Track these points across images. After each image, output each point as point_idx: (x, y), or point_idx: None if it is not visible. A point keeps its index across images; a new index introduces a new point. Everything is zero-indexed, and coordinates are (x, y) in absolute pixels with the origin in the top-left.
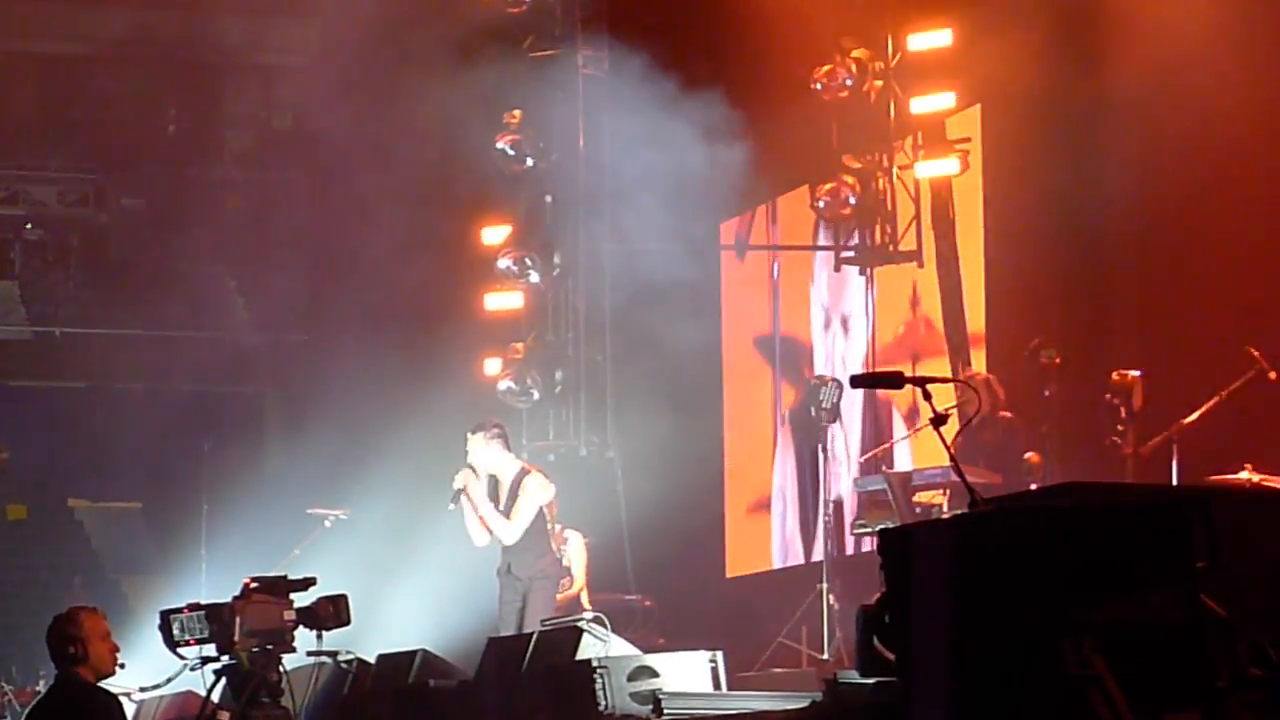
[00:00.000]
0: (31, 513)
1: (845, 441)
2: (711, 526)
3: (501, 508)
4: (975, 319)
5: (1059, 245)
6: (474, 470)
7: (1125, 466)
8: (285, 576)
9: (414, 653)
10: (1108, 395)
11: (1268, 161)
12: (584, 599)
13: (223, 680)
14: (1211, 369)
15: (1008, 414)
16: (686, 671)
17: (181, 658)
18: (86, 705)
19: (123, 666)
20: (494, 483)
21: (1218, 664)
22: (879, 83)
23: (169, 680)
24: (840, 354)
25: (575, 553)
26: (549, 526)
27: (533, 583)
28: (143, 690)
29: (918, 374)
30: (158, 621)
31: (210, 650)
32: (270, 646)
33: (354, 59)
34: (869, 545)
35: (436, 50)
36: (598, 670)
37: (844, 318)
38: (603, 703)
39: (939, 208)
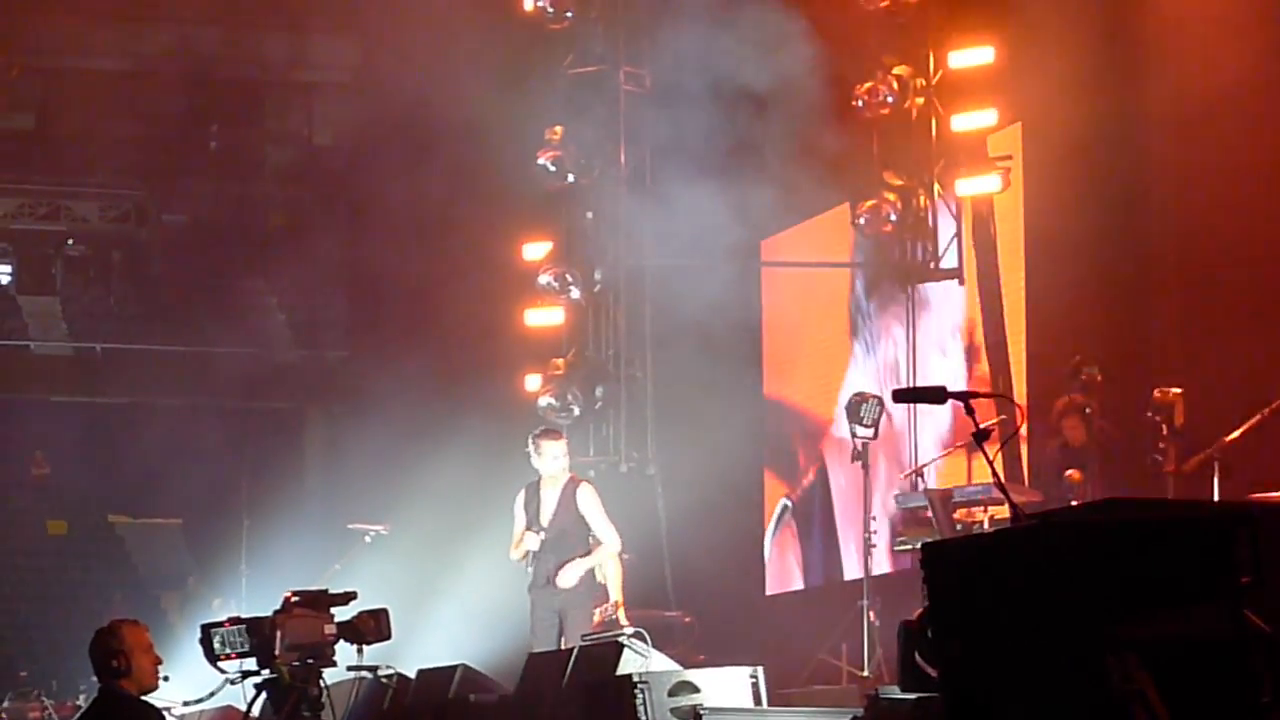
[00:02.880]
0: (72, 528)
1: (883, 459)
2: (751, 543)
3: (549, 515)
4: (1016, 336)
5: (1100, 263)
6: (539, 533)
7: (1167, 484)
8: (326, 591)
9: (454, 668)
10: (1149, 413)
11: None
12: (622, 615)
13: (263, 695)
14: (1254, 386)
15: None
16: (727, 687)
17: (222, 671)
18: (131, 718)
19: (166, 679)
20: (533, 491)
21: (1262, 680)
22: (920, 100)
23: (211, 695)
24: (880, 370)
25: (611, 569)
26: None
27: (571, 596)
28: (185, 705)
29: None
30: (198, 635)
31: (251, 664)
32: (311, 661)
33: (394, 76)
34: (909, 562)
35: (477, 67)
36: (639, 685)
37: (884, 334)
38: (643, 718)
39: (980, 225)
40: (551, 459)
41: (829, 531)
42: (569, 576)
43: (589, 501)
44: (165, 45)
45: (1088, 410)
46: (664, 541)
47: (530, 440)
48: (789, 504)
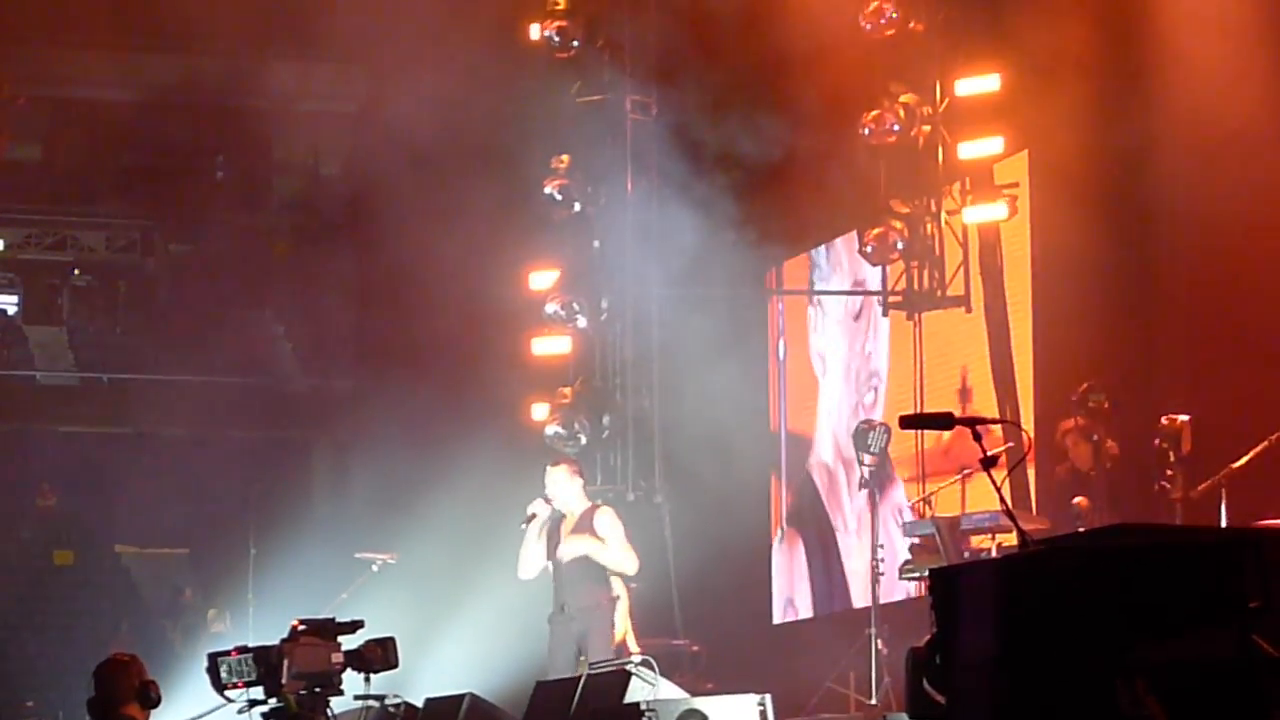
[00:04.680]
0: (79, 558)
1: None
2: (759, 571)
3: (566, 542)
4: (1023, 364)
5: (1107, 290)
6: (548, 501)
7: (1174, 511)
8: (333, 619)
9: (461, 696)
10: (1156, 440)
11: None
12: (631, 643)
13: None
14: (1260, 414)
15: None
16: (736, 715)
17: (229, 700)
18: None
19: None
20: (555, 520)
21: (1270, 704)
22: (927, 128)
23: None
24: (879, 400)
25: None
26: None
27: (589, 615)
28: None
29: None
30: (206, 665)
31: (258, 693)
32: (318, 689)
33: (401, 106)
34: (915, 590)
35: (483, 96)
36: (646, 714)
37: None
38: None
39: (986, 252)
40: (553, 484)
41: (842, 559)
42: (571, 549)
43: (607, 524)
44: (171, 76)
45: (1095, 436)
46: (671, 570)
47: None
48: (795, 531)
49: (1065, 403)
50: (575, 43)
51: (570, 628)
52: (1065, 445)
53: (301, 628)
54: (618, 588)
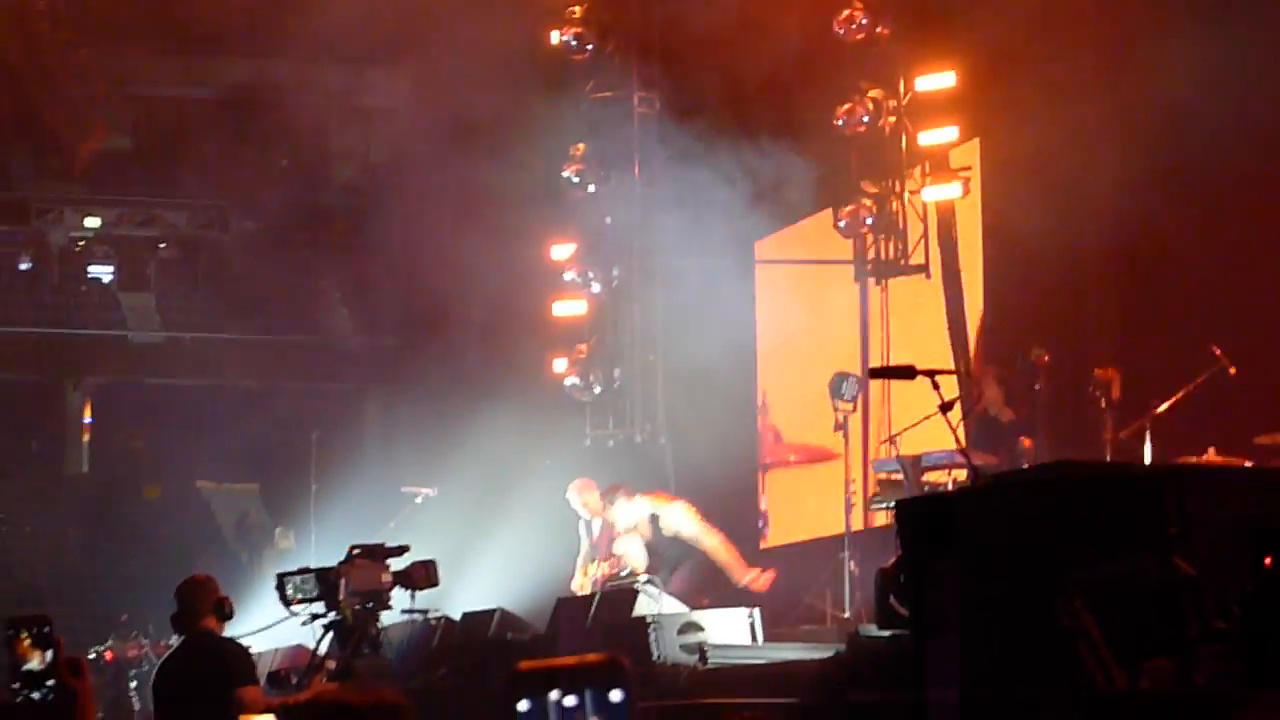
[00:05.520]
0: (165, 492)
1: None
2: (749, 502)
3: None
4: (974, 322)
5: (1048, 259)
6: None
7: (1105, 450)
8: (383, 544)
9: (493, 611)
10: (1090, 388)
11: (1226, 190)
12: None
13: (329, 634)
14: (1179, 366)
15: (1010, 406)
16: (728, 626)
17: (294, 614)
18: (223, 653)
19: (230, 616)
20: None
21: (1189, 618)
22: (892, 119)
23: (268, 627)
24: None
25: (683, 516)
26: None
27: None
28: (245, 637)
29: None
30: (275, 583)
31: (319, 608)
32: (370, 605)
33: (441, 102)
34: (883, 519)
35: (511, 93)
36: (651, 625)
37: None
38: (655, 653)
39: (944, 227)
40: (618, 514)
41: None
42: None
43: (679, 517)
44: (243, 76)
45: (1037, 387)
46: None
47: None
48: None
49: (1011, 356)
50: (590, 47)
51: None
52: (980, 389)
53: (356, 551)
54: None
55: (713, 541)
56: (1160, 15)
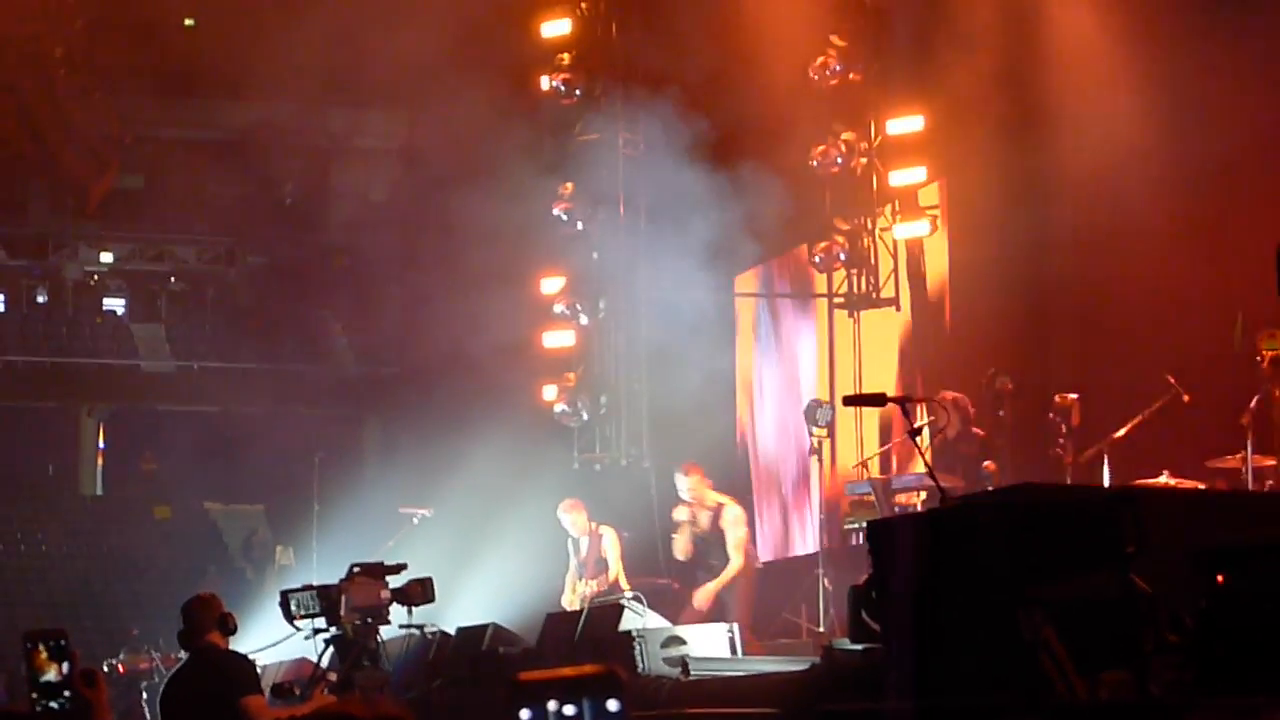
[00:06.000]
0: (175, 513)
1: (835, 453)
2: None
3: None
4: (942, 352)
5: (1010, 292)
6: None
7: (1065, 473)
8: (382, 563)
9: (486, 625)
10: (1050, 414)
11: (1179, 226)
12: (622, 581)
13: (330, 648)
14: (1135, 393)
15: (979, 430)
16: (709, 640)
17: (297, 629)
18: (227, 665)
19: (234, 631)
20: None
21: (1144, 631)
22: (864, 159)
23: (275, 644)
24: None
25: (609, 545)
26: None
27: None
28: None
29: (898, 395)
30: (278, 600)
31: (321, 623)
32: (370, 620)
33: (436, 144)
34: (856, 540)
35: (503, 135)
36: (636, 639)
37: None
38: (640, 666)
39: (913, 262)
40: (687, 489)
41: (796, 513)
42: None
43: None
44: (249, 119)
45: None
46: (656, 521)
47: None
48: (757, 489)
49: (976, 384)
50: (578, 91)
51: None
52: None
53: (356, 569)
54: (611, 537)
55: (737, 562)
56: (1114, 68)
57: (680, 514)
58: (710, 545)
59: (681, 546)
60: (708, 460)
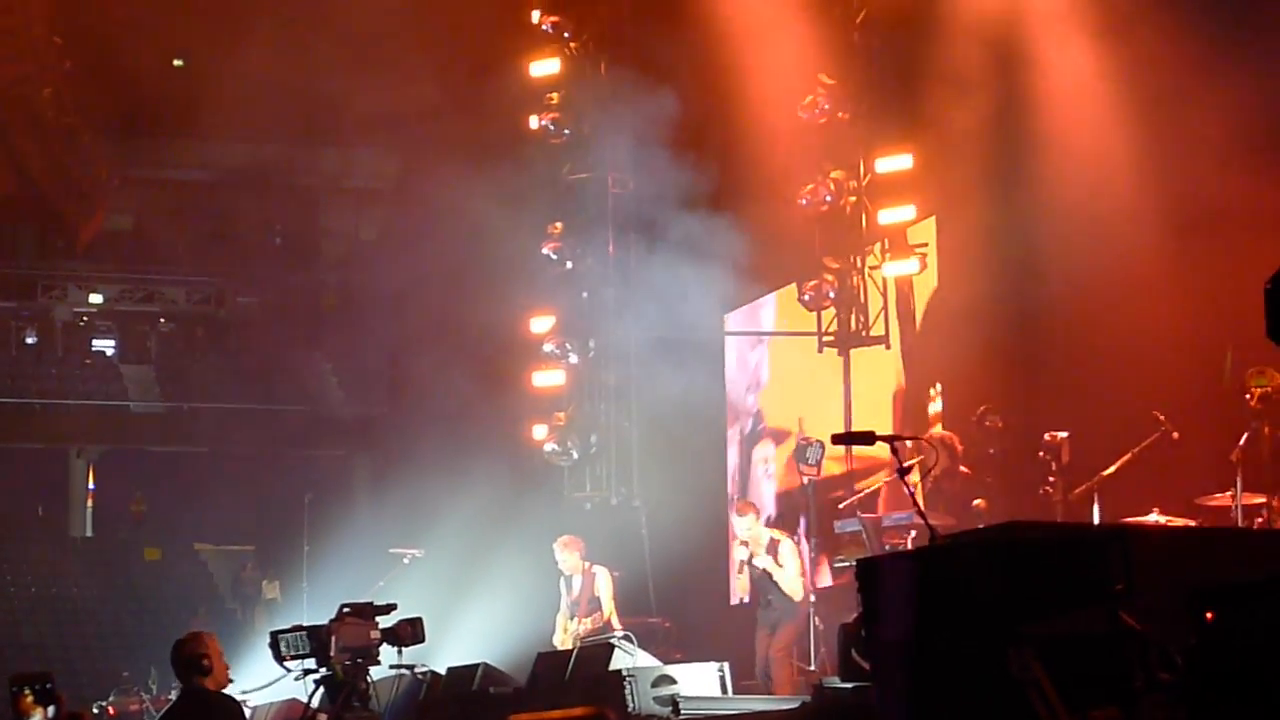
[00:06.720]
0: (165, 554)
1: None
2: (718, 561)
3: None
4: (932, 390)
5: (1000, 330)
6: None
7: (1056, 511)
8: (372, 603)
9: (477, 665)
10: (1040, 452)
11: (1169, 264)
12: (614, 621)
13: (321, 689)
14: (1125, 431)
15: (966, 469)
16: (699, 679)
17: (287, 670)
18: (218, 708)
19: (232, 680)
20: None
21: (1134, 669)
22: (853, 198)
23: (268, 685)
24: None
25: (603, 584)
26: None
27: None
28: (244, 694)
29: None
30: (268, 640)
31: (311, 664)
32: (360, 660)
33: (426, 184)
34: (844, 578)
35: (493, 175)
36: (626, 679)
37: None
38: (631, 705)
39: (902, 300)
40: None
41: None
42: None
43: (789, 557)
44: (238, 160)
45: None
46: (647, 560)
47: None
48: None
49: (966, 422)
50: (566, 131)
51: (768, 618)
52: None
53: (346, 610)
54: (605, 577)
55: (798, 595)
56: (1101, 107)
57: (739, 553)
58: (768, 583)
59: (743, 585)
60: (696, 499)
